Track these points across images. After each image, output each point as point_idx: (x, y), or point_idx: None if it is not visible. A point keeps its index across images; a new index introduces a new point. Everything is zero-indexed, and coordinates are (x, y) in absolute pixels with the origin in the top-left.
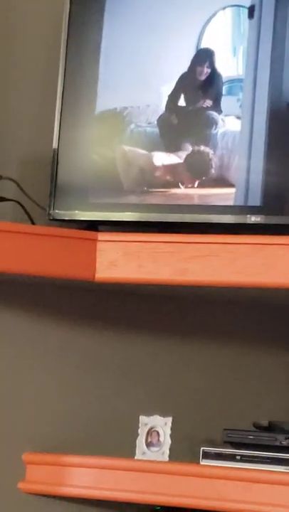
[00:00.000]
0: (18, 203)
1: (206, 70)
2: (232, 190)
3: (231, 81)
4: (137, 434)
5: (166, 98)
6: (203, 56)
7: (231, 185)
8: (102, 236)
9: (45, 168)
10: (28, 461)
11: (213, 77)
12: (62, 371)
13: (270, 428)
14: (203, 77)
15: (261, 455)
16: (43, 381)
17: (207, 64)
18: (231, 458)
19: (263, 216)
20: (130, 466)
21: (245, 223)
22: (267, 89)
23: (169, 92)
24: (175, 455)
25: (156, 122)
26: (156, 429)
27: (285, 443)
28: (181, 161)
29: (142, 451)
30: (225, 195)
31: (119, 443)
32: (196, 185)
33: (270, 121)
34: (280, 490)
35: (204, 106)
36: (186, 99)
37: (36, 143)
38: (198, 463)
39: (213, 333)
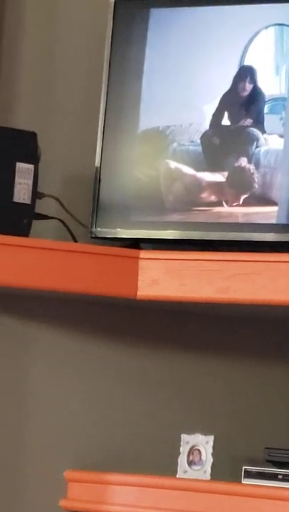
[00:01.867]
0: (61, 220)
1: (248, 86)
2: (275, 208)
3: (274, 99)
4: (179, 453)
5: (209, 116)
6: (245, 72)
7: (274, 204)
8: (144, 254)
9: (88, 186)
10: (69, 478)
11: (256, 94)
12: (103, 389)
13: None
14: (245, 94)
15: None
16: (85, 399)
17: (248, 80)
18: (273, 477)
19: None
20: (172, 485)
21: (287, 241)
22: None
23: (213, 111)
24: (217, 474)
25: (199, 141)
26: (198, 448)
27: None
28: (224, 179)
29: (183, 469)
30: (268, 214)
31: (160, 461)
32: (238, 203)
33: None
34: None
35: (247, 124)
36: (229, 118)
37: (79, 161)
38: (240, 482)
39: (256, 351)
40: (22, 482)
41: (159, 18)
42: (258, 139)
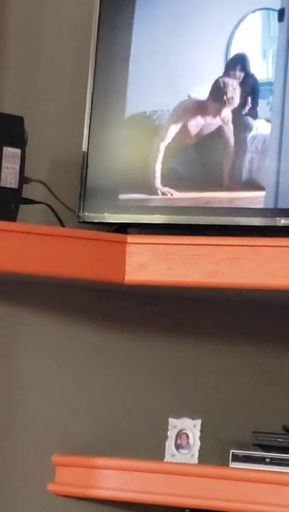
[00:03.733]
0: (48, 205)
1: (239, 74)
2: (262, 193)
3: (261, 84)
4: (167, 437)
5: (196, 101)
6: (237, 61)
7: (261, 188)
8: (131, 238)
9: (75, 171)
10: (57, 463)
11: (247, 81)
12: (91, 373)
13: None
14: (236, 82)
15: None
16: (73, 383)
17: (240, 67)
18: (260, 461)
19: None
20: (160, 469)
21: (275, 226)
22: None
23: (200, 96)
24: (204, 457)
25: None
26: (186, 432)
27: None
28: (212, 164)
29: (171, 453)
30: (255, 198)
31: (148, 445)
32: (226, 188)
33: None
34: None
35: (236, 109)
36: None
37: (66, 146)
38: (228, 465)
39: (243, 335)
40: (10, 466)
41: (146, 0)
42: (245, 124)
